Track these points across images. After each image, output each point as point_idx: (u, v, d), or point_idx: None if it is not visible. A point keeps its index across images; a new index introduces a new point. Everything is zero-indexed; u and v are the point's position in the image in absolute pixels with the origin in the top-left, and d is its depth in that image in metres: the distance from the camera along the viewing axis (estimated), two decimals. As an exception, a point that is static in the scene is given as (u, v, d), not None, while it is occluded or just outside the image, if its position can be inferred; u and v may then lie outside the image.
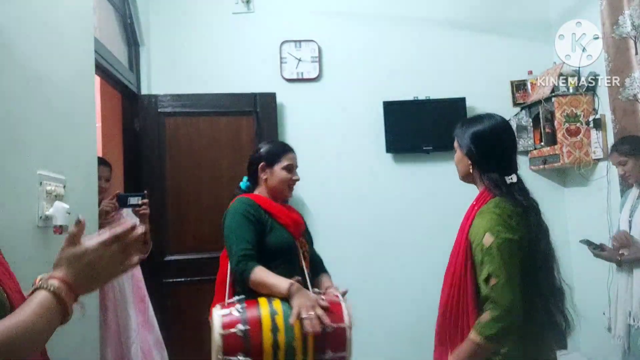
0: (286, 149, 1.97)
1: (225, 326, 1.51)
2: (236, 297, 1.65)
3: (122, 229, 0.84)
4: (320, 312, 1.52)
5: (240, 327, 1.50)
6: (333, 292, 1.76)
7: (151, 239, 2.62)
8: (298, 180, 1.96)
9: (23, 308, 0.74)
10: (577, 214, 3.41)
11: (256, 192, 1.95)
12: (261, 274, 1.67)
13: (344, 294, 1.75)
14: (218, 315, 1.55)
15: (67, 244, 0.82)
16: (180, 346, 2.84)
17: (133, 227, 0.85)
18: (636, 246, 2.31)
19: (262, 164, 1.92)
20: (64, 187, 1.63)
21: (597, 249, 2.51)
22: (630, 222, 2.40)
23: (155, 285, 2.82)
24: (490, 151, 1.52)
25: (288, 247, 1.83)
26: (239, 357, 1.47)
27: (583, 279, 3.33)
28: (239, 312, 1.55)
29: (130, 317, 2.31)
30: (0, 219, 1.27)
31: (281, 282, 1.62)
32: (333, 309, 1.59)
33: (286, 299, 1.58)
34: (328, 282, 1.91)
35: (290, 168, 1.92)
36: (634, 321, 2.28)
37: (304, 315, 1.50)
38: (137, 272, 2.49)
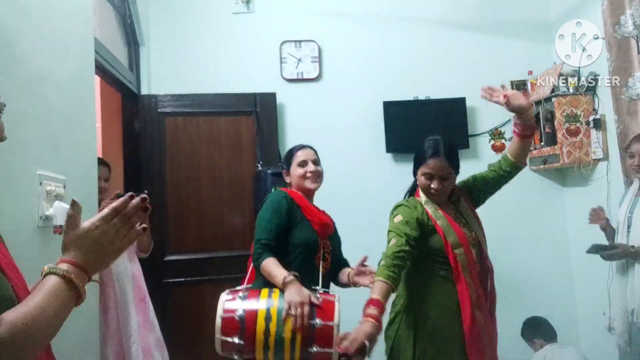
0: (295, 149, 2.09)
1: (227, 310, 1.67)
2: (243, 286, 1.82)
3: (120, 202, 0.85)
4: (307, 309, 1.62)
5: (240, 312, 1.65)
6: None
7: (151, 238, 2.63)
8: (313, 171, 2.02)
9: (34, 294, 0.75)
10: (577, 214, 3.40)
11: None
12: (268, 263, 1.79)
13: (363, 262, 1.99)
14: (223, 299, 1.71)
15: (68, 227, 0.83)
16: (181, 346, 2.84)
17: (131, 197, 0.86)
18: None
19: (283, 171, 2.09)
20: (64, 187, 1.63)
21: (608, 250, 2.35)
22: (629, 217, 2.38)
23: (155, 285, 2.82)
24: None
25: (310, 244, 1.93)
26: (234, 339, 1.62)
27: (583, 279, 3.33)
28: (241, 299, 1.70)
29: (131, 316, 2.31)
30: (0, 219, 1.27)
31: (279, 274, 1.73)
32: (325, 307, 1.68)
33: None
34: (348, 269, 2.06)
35: (303, 163, 2.02)
36: (636, 319, 2.27)
37: (292, 311, 1.61)
38: (138, 272, 2.49)
